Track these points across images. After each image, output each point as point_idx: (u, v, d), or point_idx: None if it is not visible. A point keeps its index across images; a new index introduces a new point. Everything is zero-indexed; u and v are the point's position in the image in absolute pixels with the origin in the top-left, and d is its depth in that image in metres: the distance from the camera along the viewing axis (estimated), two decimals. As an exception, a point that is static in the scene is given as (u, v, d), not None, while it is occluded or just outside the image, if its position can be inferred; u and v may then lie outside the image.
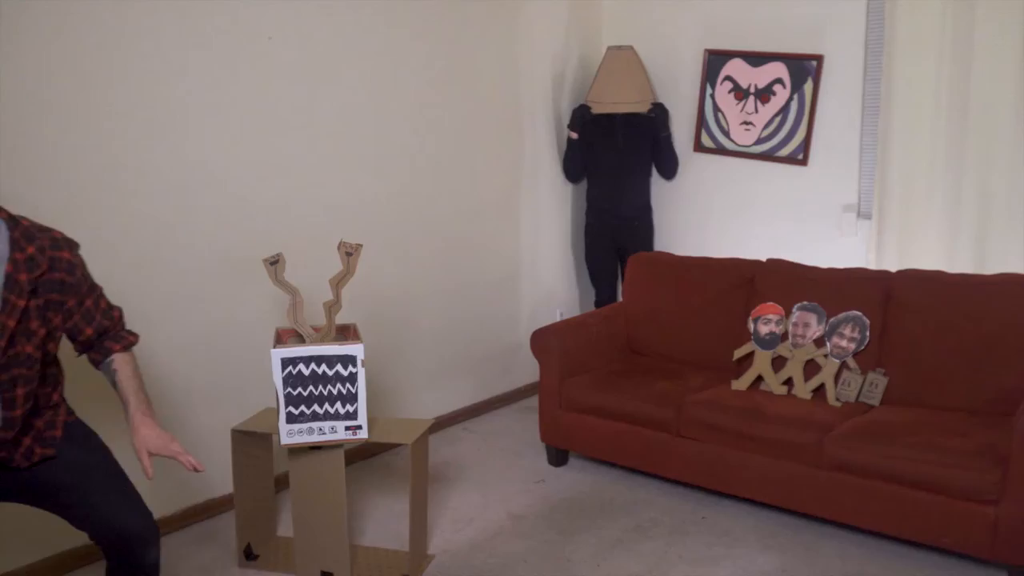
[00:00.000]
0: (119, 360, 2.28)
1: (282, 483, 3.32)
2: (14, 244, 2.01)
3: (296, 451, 2.83)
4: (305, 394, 2.74)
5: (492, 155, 4.49)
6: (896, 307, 3.42)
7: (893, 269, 3.69)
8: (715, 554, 3.02)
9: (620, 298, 4.81)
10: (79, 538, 2.45)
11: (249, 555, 3.05)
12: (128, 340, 2.32)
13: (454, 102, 4.21)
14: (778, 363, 3.53)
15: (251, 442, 3.02)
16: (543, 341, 3.77)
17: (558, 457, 3.84)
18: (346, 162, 3.74)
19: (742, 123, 4.66)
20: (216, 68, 3.24)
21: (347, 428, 2.80)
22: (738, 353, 3.64)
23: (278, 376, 2.72)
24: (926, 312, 3.34)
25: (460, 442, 4.16)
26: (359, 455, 3.84)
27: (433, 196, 4.15)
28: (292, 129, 3.52)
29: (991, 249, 3.89)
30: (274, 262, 2.82)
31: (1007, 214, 3.83)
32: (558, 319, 4.65)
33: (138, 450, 2.18)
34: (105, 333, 2.27)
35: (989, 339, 3.19)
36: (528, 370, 4.57)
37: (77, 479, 2.22)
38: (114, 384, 2.28)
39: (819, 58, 4.34)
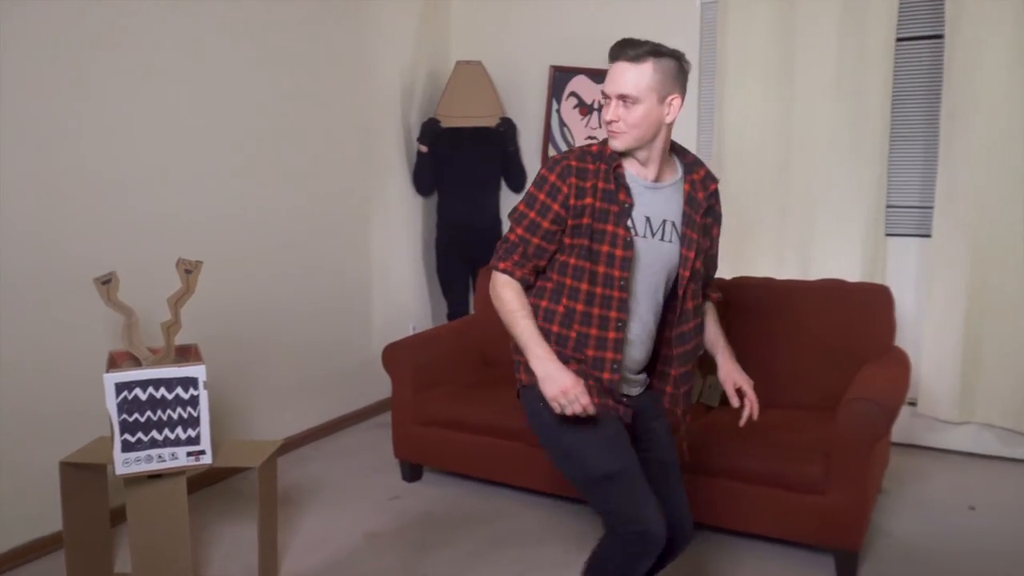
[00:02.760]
0: (710, 307, 2.40)
1: (119, 516, 3.13)
2: (688, 168, 2.20)
3: (133, 481, 2.67)
4: (143, 420, 2.60)
5: (342, 169, 4.42)
6: (731, 313, 3.60)
7: (727, 277, 3.90)
8: (571, 559, 3.07)
9: (472, 310, 4.84)
10: None
11: (82, 595, 2.85)
12: (717, 294, 2.43)
13: (302, 115, 4.12)
14: (625, 370, 3.64)
15: (83, 474, 2.82)
16: (395, 356, 3.74)
17: (412, 472, 3.81)
18: (189, 176, 3.57)
19: (587, 137, 4.81)
20: (46, 76, 3.03)
21: (189, 454, 2.67)
22: (587, 361, 3.73)
23: (112, 402, 2.56)
24: (757, 317, 3.54)
25: (311, 462, 4.06)
26: (204, 481, 3.68)
27: (280, 211, 4.04)
28: (130, 141, 3.33)
29: (814, 257, 4.19)
30: (106, 281, 2.66)
31: (827, 224, 4.14)
32: (410, 333, 4.62)
33: (724, 381, 2.29)
34: (711, 275, 2.37)
35: (813, 340, 3.42)
36: (381, 386, 4.53)
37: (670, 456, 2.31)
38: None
39: (657, 76, 4.54)
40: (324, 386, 4.39)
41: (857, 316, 3.40)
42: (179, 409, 2.63)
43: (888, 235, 4.11)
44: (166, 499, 2.70)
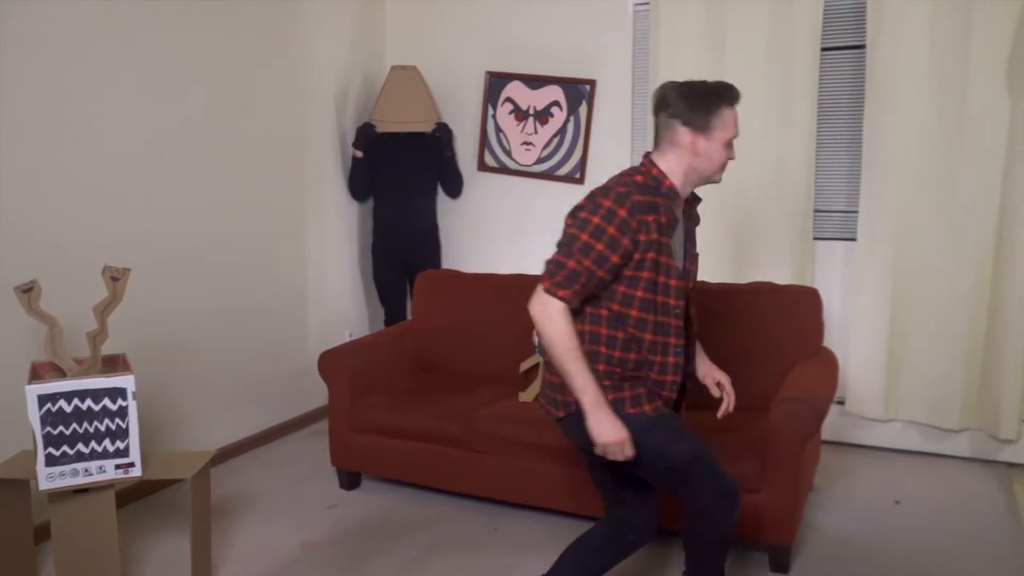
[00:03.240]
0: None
1: (44, 534, 3.02)
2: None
3: (59, 496, 2.58)
4: (68, 433, 2.52)
5: (275, 173, 4.36)
6: (666, 316, 3.66)
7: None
8: (509, 563, 3.08)
9: (409, 316, 4.82)
10: None
11: (5, 616, 2.75)
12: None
13: (233, 118, 4.05)
14: (562, 374, 3.67)
15: (4, 490, 2.72)
16: (331, 363, 3.69)
17: (350, 480, 3.77)
18: (114, 180, 3.47)
19: (523, 143, 4.83)
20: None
21: (118, 466, 2.59)
22: (524, 365, 3.75)
23: (34, 415, 2.48)
24: (695, 320, 3.59)
25: (246, 472, 3.98)
26: (134, 495, 3.58)
27: (211, 216, 3.96)
28: (52, 144, 3.22)
29: (745, 260, 4.28)
30: (27, 290, 2.57)
31: (757, 228, 4.24)
32: (347, 339, 4.58)
33: (704, 378, 2.52)
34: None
35: (745, 342, 3.49)
36: (317, 393, 4.47)
37: None
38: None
39: (592, 82, 4.60)
40: (259, 394, 4.32)
41: (787, 318, 3.49)
42: (107, 421, 2.56)
43: (816, 239, 4.22)
44: (93, 514, 2.62)
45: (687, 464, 2.28)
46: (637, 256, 2.14)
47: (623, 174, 2.28)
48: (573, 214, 2.21)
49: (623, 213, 2.12)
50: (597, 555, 2.45)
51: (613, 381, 2.23)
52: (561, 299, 2.13)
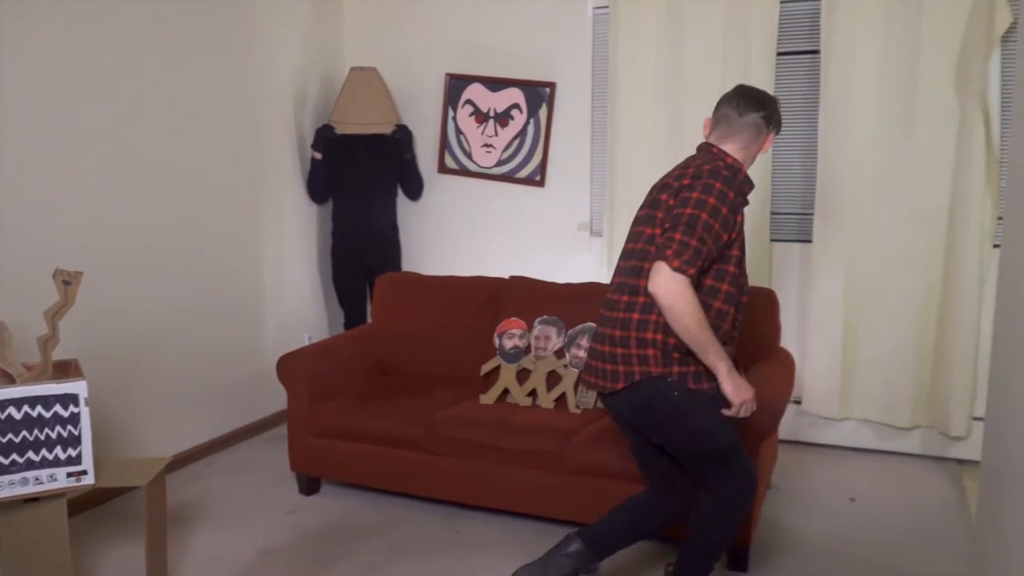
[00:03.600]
0: None
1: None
2: None
3: (8, 506, 2.52)
4: (17, 441, 2.45)
5: (232, 174, 4.30)
6: (626, 318, 3.68)
7: (623, 282, 3.98)
8: (470, 567, 3.07)
9: (369, 319, 4.79)
10: None
11: (-49, 630, 2.67)
12: None
13: (187, 118, 3.99)
14: (523, 375, 3.68)
15: (-49, 500, 2.65)
16: (290, 366, 3.65)
17: (310, 486, 3.73)
18: (66, 181, 3.40)
19: (483, 145, 4.83)
20: None
21: (70, 475, 2.54)
22: (485, 368, 3.75)
23: (-18, 423, 2.41)
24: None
25: (204, 479, 3.92)
26: (87, 503, 3.50)
27: (167, 218, 3.90)
28: (0, 146, 3.15)
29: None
30: (-26, 294, 2.50)
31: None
32: (306, 343, 4.54)
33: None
34: None
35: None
36: (275, 398, 4.42)
37: None
38: None
39: (552, 85, 4.61)
40: (216, 399, 4.26)
41: (745, 318, 3.51)
42: (58, 428, 2.50)
43: (773, 240, 4.28)
44: (45, 524, 2.56)
45: (729, 448, 2.46)
46: (734, 235, 2.38)
47: (711, 158, 2.45)
48: (682, 195, 2.35)
49: (732, 195, 2.35)
50: (714, 525, 2.54)
51: (681, 355, 2.37)
52: (691, 276, 2.28)
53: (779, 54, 4.14)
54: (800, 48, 4.16)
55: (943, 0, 3.74)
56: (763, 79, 4.09)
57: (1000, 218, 3.76)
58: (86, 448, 2.54)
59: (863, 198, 4.00)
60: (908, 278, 3.97)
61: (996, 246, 3.79)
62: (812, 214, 4.15)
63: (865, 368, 4.11)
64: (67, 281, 2.61)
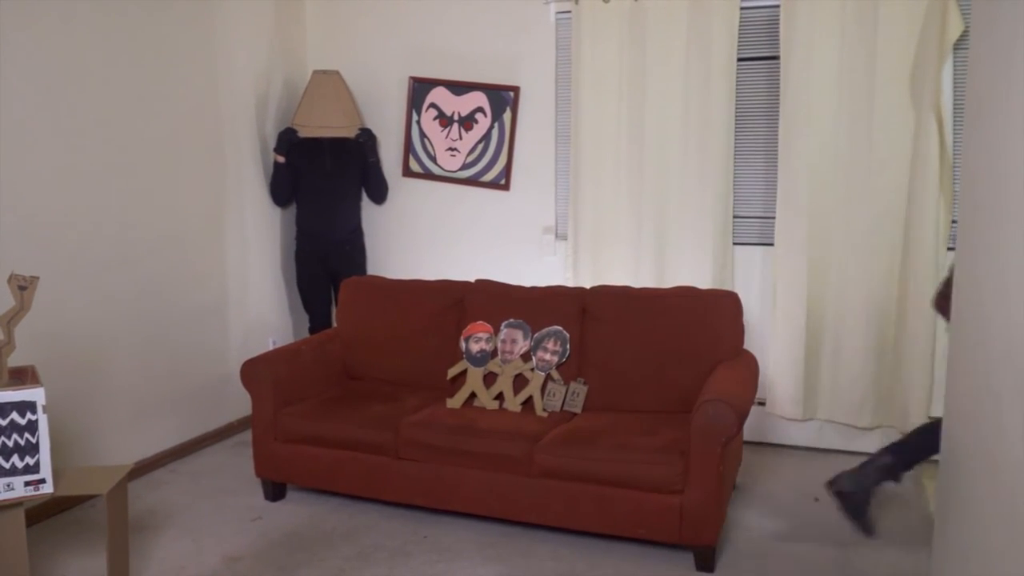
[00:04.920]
0: None
1: (-54, 555, 2.88)
2: None
3: (-37, 516, 2.47)
4: (-27, 449, 2.41)
5: (193, 177, 4.25)
6: (591, 321, 3.71)
7: (588, 286, 4.00)
8: (438, 571, 3.07)
9: (334, 323, 4.76)
10: None
11: (-96, 645, 2.61)
12: None
13: (148, 121, 3.93)
14: (490, 379, 3.68)
15: (-97, 511, 2.59)
16: (254, 371, 3.62)
17: (275, 491, 3.69)
18: (22, 182, 3.33)
19: (448, 149, 4.82)
20: None
21: (27, 483, 2.49)
22: (452, 372, 3.74)
23: (-63, 431, 2.36)
24: (616, 324, 3.65)
25: (166, 486, 3.87)
26: (45, 512, 3.43)
27: (127, 221, 3.84)
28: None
29: (668, 265, 4.36)
30: (-72, 300, 2.45)
31: (679, 234, 4.32)
32: (271, 347, 4.50)
33: None
34: None
35: (669, 345, 3.56)
36: (240, 403, 4.38)
37: None
38: None
39: (516, 89, 4.62)
40: (179, 405, 4.20)
41: (709, 321, 3.57)
42: (15, 436, 2.45)
43: (735, 244, 4.33)
44: (2, 534, 2.51)
45: None
46: None
47: None
48: None
49: None
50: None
51: None
52: None
53: (739, 60, 4.19)
54: (760, 54, 4.22)
55: (898, 8, 3.82)
56: (724, 84, 4.14)
57: (954, 221, 3.84)
58: (44, 456, 2.50)
59: (823, 202, 4.06)
60: (867, 280, 4.04)
61: (951, 248, 3.87)
62: (774, 217, 4.20)
63: (828, 369, 4.17)
64: (23, 286, 2.56)
